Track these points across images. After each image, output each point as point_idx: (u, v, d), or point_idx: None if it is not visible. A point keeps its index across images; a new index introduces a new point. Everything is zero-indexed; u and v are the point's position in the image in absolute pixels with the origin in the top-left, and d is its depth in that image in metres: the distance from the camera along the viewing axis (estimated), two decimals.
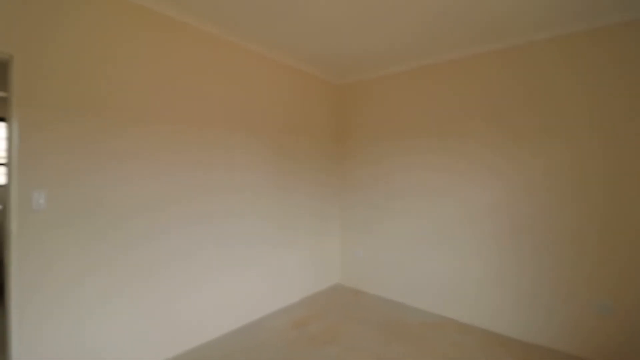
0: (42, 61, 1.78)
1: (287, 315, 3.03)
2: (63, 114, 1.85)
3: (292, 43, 2.85)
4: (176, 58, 2.37)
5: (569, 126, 2.47)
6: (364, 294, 3.59)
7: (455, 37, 2.67)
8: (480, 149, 2.85)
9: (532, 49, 2.61)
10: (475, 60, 2.89)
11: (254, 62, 2.93)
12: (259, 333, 2.68)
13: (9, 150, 1.77)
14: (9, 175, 1.75)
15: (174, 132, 2.35)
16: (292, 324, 2.85)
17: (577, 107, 2.44)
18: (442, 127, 3.08)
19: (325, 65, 3.41)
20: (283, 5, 2.21)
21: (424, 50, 2.96)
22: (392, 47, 2.90)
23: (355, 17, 2.38)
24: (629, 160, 2.25)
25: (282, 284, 3.23)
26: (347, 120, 3.89)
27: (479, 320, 2.85)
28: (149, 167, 2.22)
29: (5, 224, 1.67)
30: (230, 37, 2.70)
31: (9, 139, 1.76)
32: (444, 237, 3.07)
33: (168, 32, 2.32)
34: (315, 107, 3.64)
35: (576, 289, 2.42)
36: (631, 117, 2.24)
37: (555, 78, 2.53)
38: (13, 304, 1.69)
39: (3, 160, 3.90)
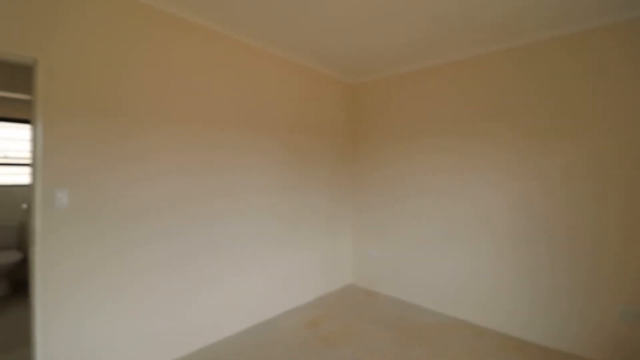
0: (64, 65, 1.84)
1: (300, 314, 3.04)
2: (83, 115, 1.91)
3: (304, 42, 2.86)
4: (192, 60, 2.41)
5: (583, 125, 2.41)
6: (377, 294, 3.58)
7: (470, 35, 2.63)
8: (495, 150, 2.81)
9: (548, 46, 2.55)
10: (489, 59, 2.84)
11: (267, 63, 2.96)
12: (272, 332, 2.71)
13: (33, 150, 1.83)
14: (33, 175, 1.81)
15: (189, 133, 2.39)
16: (305, 323, 2.86)
17: (591, 106, 2.38)
18: (456, 127, 3.04)
19: (337, 64, 3.41)
20: (295, 4, 2.22)
21: (437, 49, 2.93)
22: (406, 46, 2.88)
23: (368, 16, 2.37)
24: None
25: (295, 283, 3.25)
26: (360, 120, 3.88)
27: (494, 322, 2.80)
28: (166, 167, 2.26)
29: (29, 222, 1.73)
30: (244, 38, 2.73)
31: (33, 140, 1.82)
32: (458, 238, 3.03)
33: (183, 34, 2.36)
34: (328, 106, 3.64)
35: (596, 293, 2.35)
36: None
37: (568, 77, 2.47)
38: (37, 299, 1.75)
39: (27, 161, 4.05)
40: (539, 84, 2.59)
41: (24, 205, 3.75)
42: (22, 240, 3.89)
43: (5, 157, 3.95)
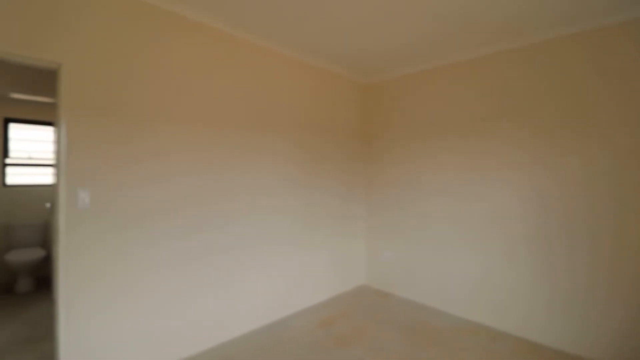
0: (85, 69, 1.91)
1: (313, 314, 3.06)
2: (104, 117, 1.97)
3: (316, 43, 2.87)
4: (207, 62, 2.46)
5: (599, 124, 2.35)
6: (390, 295, 3.56)
7: (483, 34, 2.60)
8: (510, 149, 2.75)
9: (562, 44, 2.49)
10: (505, 57, 2.79)
11: (279, 63, 2.99)
12: (285, 331, 2.73)
13: (57, 152, 1.91)
14: (57, 175, 1.89)
15: (203, 134, 2.44)
16: (318, 323, 2.88)
17: (606, 104, 2.33)
18: (471, 127, 3.00)
19: (350, 64, 3.42)
20: (307, 5, 2.24)
21: (450, 48, 2.90)
22: (418, 44, 2.87)
23: (380, 15, 2.37)
24: None
25: (308, 283, 3.27)
26: (373, 120, 3.87)
27: (510, 326, 2.75)
28: (181, 167, 2.32)
29: (53, 221, 1.81)
30: (257, 40, 2.77)
31: (57, 141, 1.90)
32: (473, 240, 2.99)
33: (199, 37, 2.41)
34: (340, 106, 3.65)
35: (616, 296, 2.28)
36: None
37: (582, 75, 2.43)
38: (60, 295, 1.82)
39: (50, 162, 4.20)
40: (553, 82, 2.55)
41: (48, 205, 3.89)
42: (45, 238, 4.04)
43: (30, 158, 4.11)
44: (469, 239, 3.02)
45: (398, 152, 3.60)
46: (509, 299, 2.76)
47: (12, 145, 3.98)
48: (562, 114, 2.51)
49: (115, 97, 2.02)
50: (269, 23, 2.49)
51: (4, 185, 3.90)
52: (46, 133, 4.20)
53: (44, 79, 3.17)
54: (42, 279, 3.85)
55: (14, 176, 3.99)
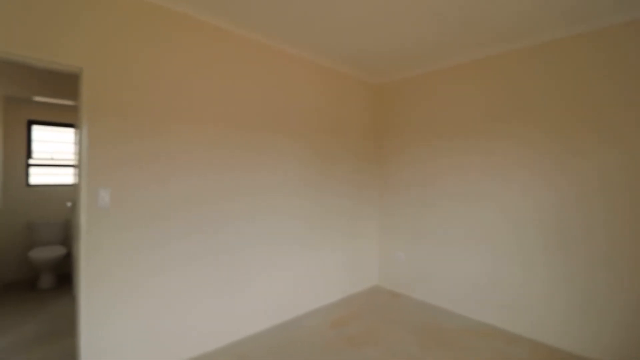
0: (105, 72, 1.97)
1: (325, 314, 3.07)
2: (123, 119, 2.03)
3: (327, 43, 2.88)
4: (222, 65, 2.50)
5: (615, 124, 2.31)
6: (403, 296, 3.54)
7: (497, 32, 2.56)
8: (526, 150, 2.70)
9: (575, 43, 2.44)
10: (519, 55, 2.74)
11: (292, 64, 3.01)
12: (297, 331, 2.75)
13: (79, 153, 1.97)
14: (79, 175, 1.95)
15: (217, 135, 2.48)
16: (330, 323, 2.89)
17: (621, 104, 2.28)
18: (485, 126, 2.96)
19: (361, 65, 3.41)
20: (319, 5, 2.25)
21: (463, 47, 2.87)
22: (430, 45, 2.85)
23: (391, 16, 2.36)
24: None
25: (320, 283, 3.28)
26: (384, 120, 3.86)
27: (526, 329, 2.70)
28: (199, 168, 2.36)
29: (75, 220, 1.87)
30: (270, 41, 2.80)
31: (79, 143, 1.96)
32: (486, 240, 2.94)
33: (217, 41, 2.45)
34: (351, 106, 3.64)
35: (637, 299, 2.21)
36: None
37: (597, 75, 2.39)
38: (82, 291, 1.88)
39: (71, 162, 4.33)
40: (566, 82, 2.49)
41: (69, 204, 4.01)
42: (66, 236, 4.17)
43: (52, 159, 4.25)
44: (482, 239, 2.98)
45: (409, 153, 3.57)
46: (524, 301, 2.71)
47: (35, 147, 4.12)
48: (577, 114, 2.46)
49: (134, 99, 2.07)
50: (281, 24, 2.51)
51: (28, 185, 4.04)
52: (67, 134, 4.34)
53: (65, 83, 3.28)
54: (63, 276, 3.97)
55: (36, 176, 4.13)
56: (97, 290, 1.93)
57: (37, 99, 3.15)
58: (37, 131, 4.14)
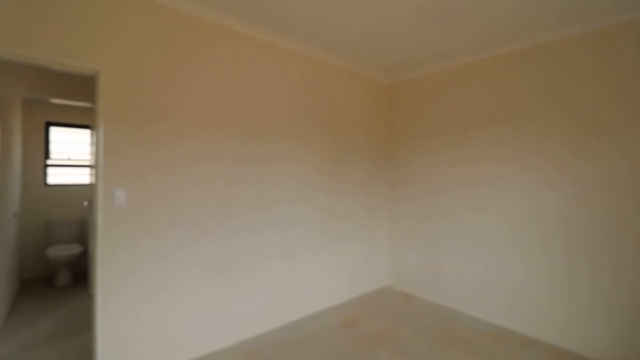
0: (121, 75, 2.00)
1: (336, 314, 3.06)
2: (138, 121, 2.06)
3: (344, 44, 2.88)
4: (237, 69, 2.52)
5: (620, 127, 2.27)
6: (414, 297, 3.51)
7: (517, 28, 2.52)
8: (547, 144, 2.63)
9: (611, 33, 2.37)
10: (522, 56, 2.69)
11: (305, 66, 3.02)
12: (309, 330, 2.74)
13: (96, 154, 2.01)
14: (96, 175, 1.99)
15: (235, 136, 2.50)
16: (342, 323, 2.88)
17: (629, 108, 2.24)
18: (504, 121, 2.90)
19: (374, 64, 3.39)
20: (334, 6, 2.25)
21: (475, 45, 2.83)
22: (444, 42, 2.81)
23: (404, 16, 2.35)
24: None
25: (332, 283, 3.27)
26: (397, 119, 3.82)
27: (544, 333, 2.63)
28: (210, 170, 2.38)
29: (91, 219, 1.91)
30: (291, 46, 2.82)
31: (96, 143, 2.00)
32: (504, 242, 2.89)
33: (228, 44, 2.47)
34: (364, 106, 3.63)
35: None
36: None
37: (599, 76, 2.37)
38: (98, 289, 1.92)
39: (87, 162, 4.42)
40: (604, 73, 2.41)
41: (85, 203, 4.10)
42: (82, 234, 4.26)
43: (69, 159, 4.35)
44: (500, 241, 2.92)
45: (423, 154, 3.54)
46: (543, 305, 2.65)
47: (53, 147, 4.23)
48: (579, 115, 2.43)
49: (150, 101, 2.10)
50: (297, 27, 2.52)
51: (46, 184, 4.14)
52: (83, 135, 4.43)
53: (82, 85, 3.35)
54: (79, 274, 4.06)
55: (54, 176, 4.23)
56: (114, 287, 1.96)
57: (55, 101, 3.23)
58: (55, 132, 4.24)
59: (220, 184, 2.43)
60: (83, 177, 4.42)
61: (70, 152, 4.36)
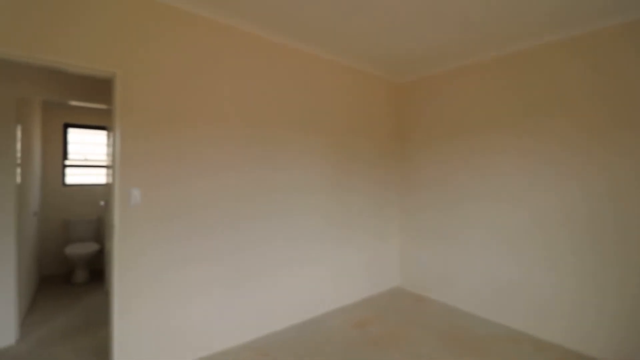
0: (137, 77, 2.05)
1: (347, 314, 3.06)
2: (155, 123, 2.11)
3: (354, 44, 2.89)
4: (248, 69, 2.55)
5: None
6: (425, 298, 3.49)
7: (524, 27, 2.48)
8: (554, 146, 2.59)
9: (614, 35, 2.32)
10: (547, 50, 2.64)
11: (316, 66, 3.04)
12: (320, 330, 2.76)
13: (112, 154, 2.06)
14: (112, 175, 2.04)
15: (242, 136, 2.53)
16: (353, 324, 2.88)
17: None
18: (512, 124, 2.86)
19: (385, 64, 3.38)
20: (347, 7, 2.26)
21: (486, 43, 2.79)
22: (454, 41, 2.79)
23: (415, 17, 2.34)
24: None
25: (342, 283, 3.28)
26: (408, 119, 3.80)
27: (558, 336, 2.59)
28: (221, 170, 2.42)
29: (108, 218, 1.96)
30: (301, 46, 2.84)
31: (112, 144, 2.05)
32: (513, 243, 2.84)
33: (240, 45, 2.51)
34: (375, 106, 3.62)
35: None
36: None
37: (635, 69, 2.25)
38: (115, 285, 1.97)
39: (103, 163, 4.53)
40: (602, 76, 2.37)
41: (102, 202, 4.20)
42: (99, 233, 4.37)
43: (86, 160, 4.46)
44: (509, 241, 2.88)
45: (433, 152, 3.51)
46: (554, 306, 2.60)
47: (71, 148, 4.35)
48: (610, 109, 2.34)
49: (165, 103, 2.15)
50: (308, 28, 2.53)
51: (64, 184, 4.26)
52: (100, 136, 4.54)
53: (99, 87, 3.43)
54: (95, 271, 4.16)
55: (72, 176, 4.35)
56: (130, 286, 2.01)
57: (73, 103, 3.32)
58: (72, 133, 4.36)
59: (231, 182, 2.47)
60: (100, 177, 4.53)
61: (87, 153, 4.48)
